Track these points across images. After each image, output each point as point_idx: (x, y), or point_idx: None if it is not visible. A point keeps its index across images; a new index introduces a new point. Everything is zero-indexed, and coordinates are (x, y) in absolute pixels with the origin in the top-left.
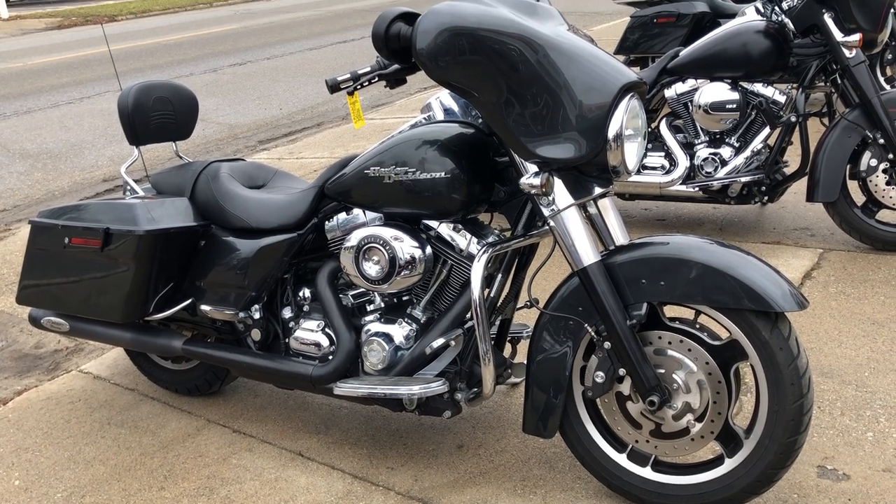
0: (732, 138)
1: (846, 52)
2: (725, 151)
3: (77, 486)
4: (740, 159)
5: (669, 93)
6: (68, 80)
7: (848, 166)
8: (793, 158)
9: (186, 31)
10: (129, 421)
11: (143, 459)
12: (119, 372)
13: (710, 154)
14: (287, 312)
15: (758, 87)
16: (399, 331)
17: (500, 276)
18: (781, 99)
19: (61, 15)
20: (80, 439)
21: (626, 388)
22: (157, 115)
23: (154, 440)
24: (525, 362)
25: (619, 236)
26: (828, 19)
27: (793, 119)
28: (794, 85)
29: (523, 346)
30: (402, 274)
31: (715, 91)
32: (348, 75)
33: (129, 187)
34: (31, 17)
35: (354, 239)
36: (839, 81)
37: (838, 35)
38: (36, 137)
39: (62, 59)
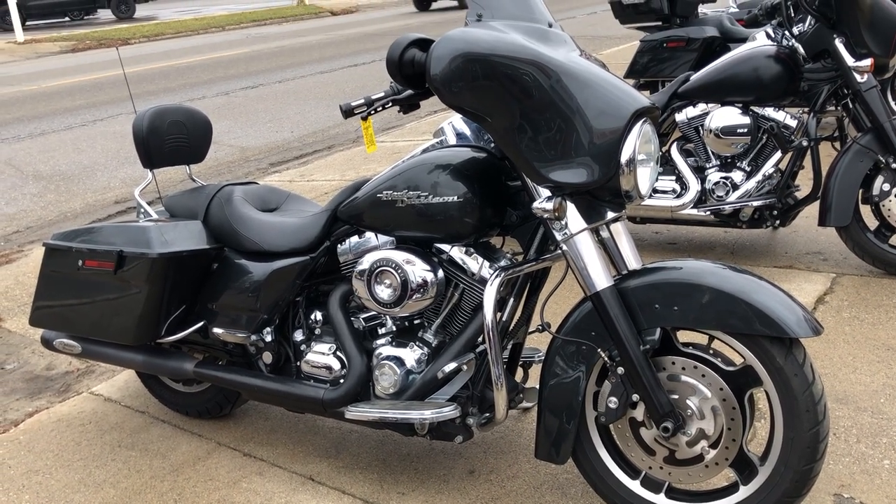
0: (744, 162)
1: (858, 77)
2: (737, 175)
3: None
4: (752, 183)
5: (680, 117)
6: (82, 103)
7: (860, 191)
8: (804, 183)
9: (199, 55)
10: (140, 444)
11: (153, 483)
12: (130, 394)
13: (721, 178)
14: (299, 335)
15: (769, 112)
16: (410, 354)
17: (512, 300)
18: (793, 123)
19: (75, 38)
20: (90, 462)
21: (639, 413)
22: (172, 139)
23: (164, 463)
24: (537, 387)
25: (632, 260)
26: (839, 44)
27: (804, 143)
28: (806, 109)
29: (535, 371)
30: (414, 297)
31: (726, 115)
32: (362, 101)
33: (142, 210)
34: (46, 40)
35: (367, 262)
36: (851, 106)
37: (849, 60)
38: (49, 159)
39: (76, 81)
